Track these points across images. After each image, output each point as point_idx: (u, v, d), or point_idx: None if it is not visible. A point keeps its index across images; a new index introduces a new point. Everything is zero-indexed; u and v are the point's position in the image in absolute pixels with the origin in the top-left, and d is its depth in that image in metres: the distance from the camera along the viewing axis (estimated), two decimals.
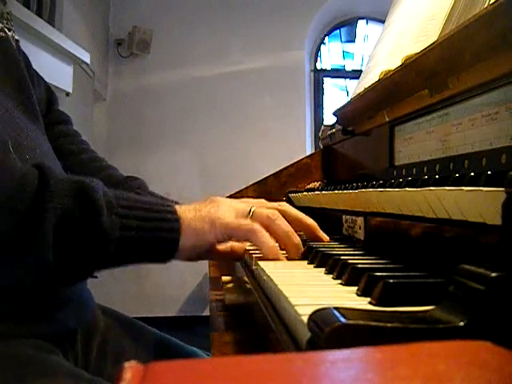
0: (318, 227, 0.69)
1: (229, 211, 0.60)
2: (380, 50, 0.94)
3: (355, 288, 0.40)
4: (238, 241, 0.68)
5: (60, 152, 0.77)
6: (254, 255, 0.61)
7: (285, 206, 0.68)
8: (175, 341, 0.83)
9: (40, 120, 0.72)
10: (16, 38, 0.74)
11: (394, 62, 0.78)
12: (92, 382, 0.59)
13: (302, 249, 0.63)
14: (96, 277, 0.73)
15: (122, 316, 0.81)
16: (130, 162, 3.20)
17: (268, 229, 0.61)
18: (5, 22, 0.71)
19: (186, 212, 0.58)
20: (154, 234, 0.55)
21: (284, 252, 0.62)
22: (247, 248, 0.69)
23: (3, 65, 0.68)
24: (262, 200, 0.68)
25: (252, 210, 0.62)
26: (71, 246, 0.51)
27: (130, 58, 3.42)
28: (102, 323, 0.76)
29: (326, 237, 0.69)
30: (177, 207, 0.58)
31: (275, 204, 0.67)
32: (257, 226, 0.60)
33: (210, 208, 0.60)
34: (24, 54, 0.76)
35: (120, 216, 0.53)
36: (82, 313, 0.70)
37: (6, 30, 0.71)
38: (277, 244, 0.62)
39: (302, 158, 1.29)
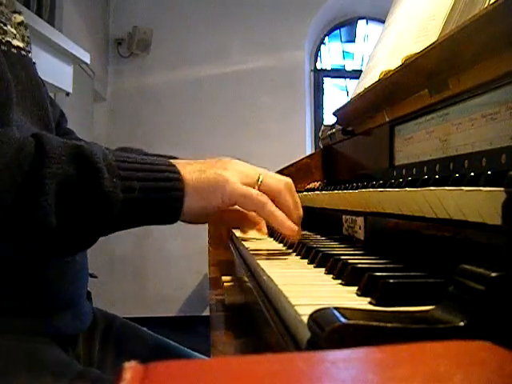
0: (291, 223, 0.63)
1: (236, 176, 0.58)
2: (380, 50, 0.94)
3: (355, 288, 0.40)
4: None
5: None
6: (255, 256, 0.61)
7: (288, 182, 0.65)
8: (173, 344, 0.83)
9: (53, 134, 0.73)
10: (33, 61, 0.76)
11: (394, 62, 0.78)
12: (84, 372, 0.59)
13: (289, 223, 0.61)
14: (96, 276, 0.73)
15: (120, 319, 0.82)
16: None
17: (274, 199, 0.60)
18: (25, 44, 0.73)
19: (191, 172, 0.56)
20: (158, 194, 0.53)
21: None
22: (247, 246, 0.68)
23: (25, 81, 0.69)
24: (281, 176, 0.65)
25: (261, 179, 0.60)
26: (74, 211, 0.50)
27: (130, 58, 3.42)
28: (101, 327, 0.76)
29: (294, 228, 0.62)
30: (180, 166, 0.57)
31: (281, 178, 0.64)
32: (265, 199, 0.58)
33: (216, 169, 0.58)
34: (39, 76, 0.77)
35: (122, 178, 0.52)
36: (79, 320, 0.69)
37: (27, 50, 0.72)
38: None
39: (302, 158, 1.29)
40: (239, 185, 0.58)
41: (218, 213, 0.60)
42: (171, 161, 0.58)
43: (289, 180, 0.64)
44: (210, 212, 0.58)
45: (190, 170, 0.57)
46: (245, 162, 0.63)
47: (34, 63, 0.76)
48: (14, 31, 0.70)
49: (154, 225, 0.57)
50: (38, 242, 0.50)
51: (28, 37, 0.75)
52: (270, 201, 0.59)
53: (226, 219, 0.67)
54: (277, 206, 0.60)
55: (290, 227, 0.60)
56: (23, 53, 0.70)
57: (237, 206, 0.60)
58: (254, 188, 0.59)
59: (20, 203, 0.47)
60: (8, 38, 0.67)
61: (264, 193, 0.60)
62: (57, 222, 0.49)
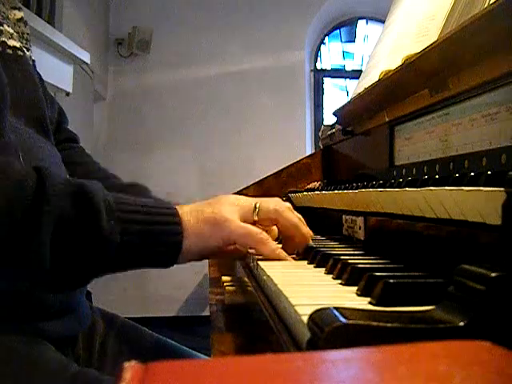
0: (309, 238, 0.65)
1: (233, 212, 0.58)
2: (380, 50, 0.94)
3: (355, 288, 0.40)
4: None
5: (64, 163, 0.77)
6: (255, 256, 0.61)
7: (288, 205, 0.66)
8: (173, 343, 0.83)
9: (50, 136, 0.73)
10: (33, 58, 0.75)
11: (394, 62, 0.78)
12: (82, 373, 0.59)
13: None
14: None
15: (120, 319, 0.81)
16: (129, 161, 3.20)
17: (276, 222, 0.61)
18: (24, 41, 0.73)
19: (188, 215, 0.56)
20: (156, 238, 0.53)
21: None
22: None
23: (20, 82, 0.68)
24: (277, 198, 0.66)
25: (258, 206, 0.60)
26: (69, 250, 0.50)
27: (130, 58, 3.42)
28: (101, 326, 0.76)
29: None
30: (178, 210, 0.57)
31: (278, 200, 0.65)
32: (265, 237, 0.59)
33: (213, 208, 0.58)
34: (39, 74, 0.77)
35: (120, 221, 0.51)
36: (77, 323, 0.69)
37: (25, 49, 0.72)
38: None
39: (302, 158, 1.29)
40: (238, 222, 0.58)
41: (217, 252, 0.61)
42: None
43: (286, 203, 0.65)
44: (209, 253, 0.59)
45: (187, 211, 0.57)
46: (239, 196, 0.63)
47: (34, 61, 0.75)
48: (11, 30, 0.69)
49: (150, 268, 0.56)
50: (31, 278, 0.50)
51: (28, 34, 0.74)
52: (270, 238, 0.59)
53: (226, 254, 0.67)
54: (281, 230, 0.62)
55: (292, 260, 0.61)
56: (20, 53, 0.70)
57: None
58: (253, 217, 0.60)
59: (16, 235, 0.47)
60: (3, 39, 0.67)
61: (264, 219, 0.60)
62: (51, 260, 0.49)
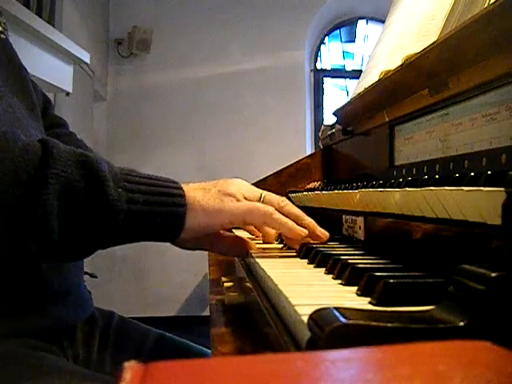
0: (316, 225, 0.66)
1: (240, 192, 0.59)
2: (380, 50, 0.94)
3: (355, 288, 0.40)
4: (247, 225, 0.67)
5: None
6: (255, 256, 0.61)
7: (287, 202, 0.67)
8: (172, 336, 0.83)
9: (40, 118, 0.73)
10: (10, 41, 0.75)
11: (394, 62, 0.78)
12: (87, 377, 0.59)
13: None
14: (96, 276, 0.73)
15: (118, 315, 0.82)
16: (130, 161, 3.20)
17: (280, 212, 0.61)
18: (1, 28, 0.72)
19: (195, 191, 0.57)
20: (160, 208, 0.53)
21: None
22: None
23: (7, 65, 0.68)
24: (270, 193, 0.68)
25: (263, 196, 0.61)
26: (76, 217, 0.49)
27: (130, 58, 3.42)
28: (101, 322, 0.76)
29: (325, 233, 0.66)
30: (184, 186, 0.57)
31: (281, 197, 0.66)
32: (271, 209, 0.59)
33: (220, 188, 0.58)
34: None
35: (126, 190, 0.51)
36: (79, 308, 0.69)
37: (6, 33, 0.72)
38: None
39: (302, 158, 1.29)
40: (244, 200, 0.59)
41: (217, 239, 0.61)
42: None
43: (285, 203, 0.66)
44: (212, 229, 0.58)
45: (193, 187, 0.57)
46: (245, 182, 0.64)
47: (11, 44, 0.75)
48: None
49: (154, 241, 0.56)
50: (36, 243, 0.49)
51: (4, 23, 0.74)
52: (275, 210, 0.60)
53: (225, 246, 0.66)
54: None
55: (300, 231, 0.61)
56: (1, 36, 0.69)
57: (236, 231, 0.61)
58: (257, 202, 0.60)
59: (22, 200, 0.47)
60: None
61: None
62: (58, 225, 0.48)
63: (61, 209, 0.48)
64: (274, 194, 0.64)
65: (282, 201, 0.63)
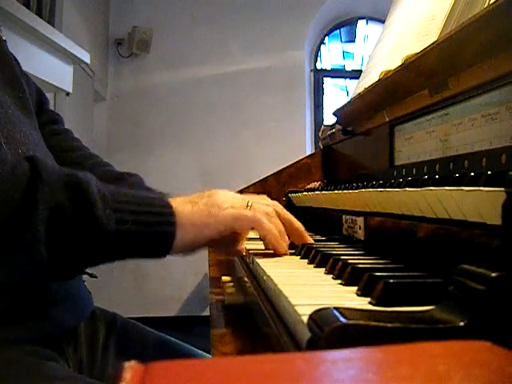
0: (304, 230, 0.68)
1: (226, 202, 0.60)
2: (380, 50, 0.94)
3: (355, 288, 0.40)
4: (237, 233, 0.67)
5: (53, 150, 0.76)
6: (253, 255, 0.61)
7: (277, 205, 0.68)
8: (174, 340, 0.83)
9: (33, 115, 0.72)
10: (4, 38, 0.74)
11: (393, 62, 0.78)
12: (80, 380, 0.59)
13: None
14: (96, 276, 0.73)
15: (121, 317, 0.81)
16: (129, 161, 3.20)
17: (270, 221, 0.62)
18: None
19: (183, 205, 0.57)
20: (150, 227, 0.54)
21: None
22: (248, 248, 0.68)
23: None
24: (264, 196, 0.68)
25: (250, 204, 0.62)
26: (65, 239, 0.49)
27: (130, 58, 3.42)
28: (103, 325, 0.76)
29: (310, 239, 0.68)
30: (172, 201, 0.57)
31: (269, 202, 0.67)
32: (260, 215, 0.60)
33: (207, 200, 0.59)
34: (12, 54, 0.76)
35: (115, 210, 0.52)
36: (79, 310, 0.69)
37: None
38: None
39: (302, 158, 1.29)
40: (231, 209, 0.59)
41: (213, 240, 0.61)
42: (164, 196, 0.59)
43: (277, 203, 0.66)
44: (203, 243, 0.59)
45: (181, 202, 0.58)
46: (230, 192, 0.65)
47: (5, 41, 0.74)
48: None
49: (144, 258, 0.57)
50: (25, 264, 0.50)
51: None
52: (264, 218, 0.60)
53: (222, 243, 0.66)
54: None
55: (281, 247, 0.62)
56: None
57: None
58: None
59: (11, 222, 0.47)
60: None
61: None
62: (46, 249, 0.48)
63: (49, 232, 0.48)
64: (262, 201, 0.65)
65: (270, 211, 0.63)
